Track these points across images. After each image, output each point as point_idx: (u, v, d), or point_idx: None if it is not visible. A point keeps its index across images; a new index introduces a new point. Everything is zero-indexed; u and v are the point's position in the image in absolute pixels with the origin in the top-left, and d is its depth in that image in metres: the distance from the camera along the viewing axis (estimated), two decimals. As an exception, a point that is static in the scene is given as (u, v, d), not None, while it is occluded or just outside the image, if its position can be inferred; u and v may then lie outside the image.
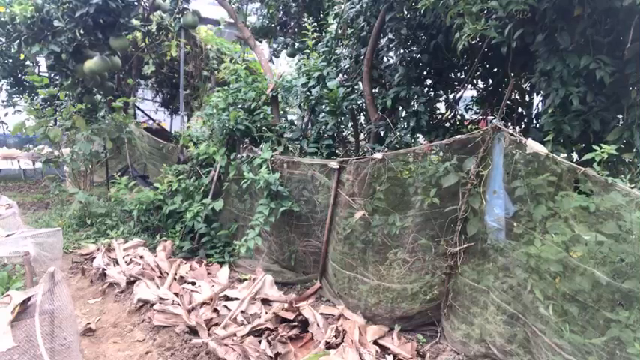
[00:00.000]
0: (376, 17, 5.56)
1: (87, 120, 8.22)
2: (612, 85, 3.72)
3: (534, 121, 5.25)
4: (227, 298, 4.91)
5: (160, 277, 5.38)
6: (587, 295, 2.90)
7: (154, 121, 13.37)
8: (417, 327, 4.37)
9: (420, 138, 5.63)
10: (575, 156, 4.20)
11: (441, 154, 4.14)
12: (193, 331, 4.31)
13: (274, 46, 9.56)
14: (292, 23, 8.99)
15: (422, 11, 4.20)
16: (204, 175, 6.87)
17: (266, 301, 4.88)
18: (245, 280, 5.51)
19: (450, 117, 6.02)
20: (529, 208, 3.35)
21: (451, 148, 3.95)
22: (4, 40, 7.51)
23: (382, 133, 5.67)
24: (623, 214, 2.76)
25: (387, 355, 3.91)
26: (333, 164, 4.93)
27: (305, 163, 5.40)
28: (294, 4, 8.65)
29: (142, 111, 13.22)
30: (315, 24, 8.53)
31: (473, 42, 4.56)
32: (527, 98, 5.46)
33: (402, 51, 5.69)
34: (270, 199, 5.37)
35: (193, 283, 5.31)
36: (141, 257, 5.92)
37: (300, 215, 5.48)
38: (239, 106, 6.60)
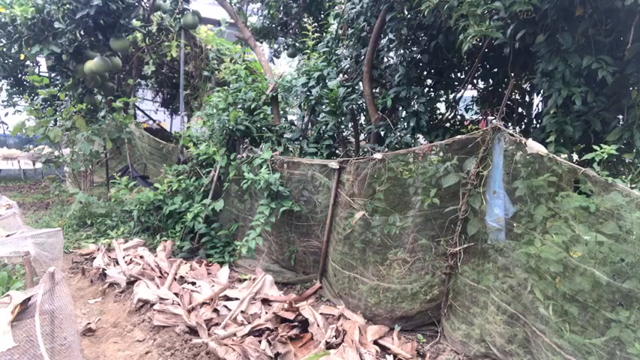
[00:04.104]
0: (376, 17, 5.56)
1: (87, 120, 8.23)
2: (613, 86, 3.72)
3: (534, 122, 5.26)
4: (227, 298, 4.91)
5: (160, 277, 5.38)
6: (587, 296, 2.90)
7: (154, 121, 13.39)
8: (417, 327, 4.37)
9: (420, 138, 5.62)
10: (575, 156, 4.20)
11: (441, 154, 4.13)
12: (193, 331, 4.31)
13: (275, 46, 9.57)
14: (293, 24, 8.99)
15: (424, 13, 4.20)
16: (204, 175, 6.87)
17: (266, 302, 4.88)
18: (245, 280, 5.51)
19: (450, 117, 6.02)
20: (529, 208, 3.34)
21: (451, 148, 3.95)
22: (4, 40, 7.51)
23: (382, 133, 5.66)
24: (623, 214, 2.76)
25: (387, 355, 3.90)
26: (333, 164, 4.93)
27: (305, 163, 5.40)
28: (294, 5, 8.64)
29: (142, 111, 13.24)
30: (316, 24, 8.53)
31: (474, 42, 4.56)
32: (527, 98, 5.46)
33: (402, 51, 5.69)
34: (270, 199, 5.38)
35: (193, 284, 5.31)
36: (141, 257, 5.92)
37: (300, 215, 5.49)
38: (239, 106, 6.60)
